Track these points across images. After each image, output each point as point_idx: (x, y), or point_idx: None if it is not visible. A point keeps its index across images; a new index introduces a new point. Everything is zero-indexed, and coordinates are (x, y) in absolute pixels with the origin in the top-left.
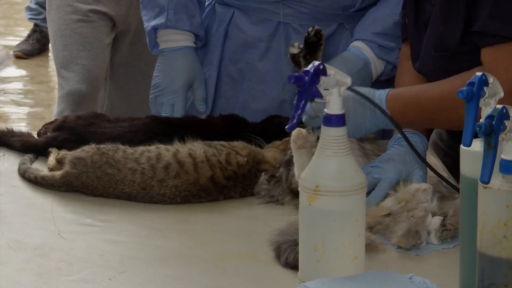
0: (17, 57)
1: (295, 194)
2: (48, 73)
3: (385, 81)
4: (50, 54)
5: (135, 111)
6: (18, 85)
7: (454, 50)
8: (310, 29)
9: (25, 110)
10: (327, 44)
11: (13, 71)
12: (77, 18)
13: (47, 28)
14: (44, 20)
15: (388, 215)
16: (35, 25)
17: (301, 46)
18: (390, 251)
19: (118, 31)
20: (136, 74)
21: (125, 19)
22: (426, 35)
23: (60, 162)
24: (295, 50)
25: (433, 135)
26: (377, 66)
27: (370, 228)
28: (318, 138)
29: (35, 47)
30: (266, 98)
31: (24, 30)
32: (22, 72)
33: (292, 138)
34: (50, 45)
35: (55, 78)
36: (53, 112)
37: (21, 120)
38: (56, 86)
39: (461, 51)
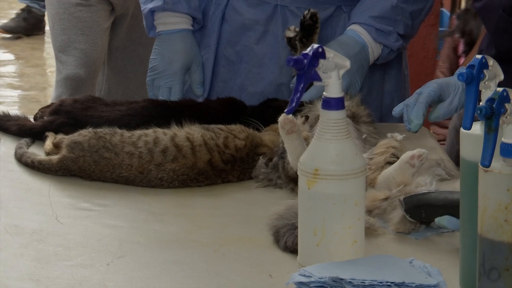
0: None
1: (294, 181)
2: (42, 56)
3: (382, 64)
4: (47, 37)
5: (133, 95)
6: (12, 68)
7: None
8: (306, 12)
9: (20, 93)
10: (324, 27)
11: (7, 54)
12: (75, 2)
13: (37, 8)
14: (33, 0)
15: (386, 199)
16: (27, 6)
17: (297, 29)
18: (390, 235)
19: (116, 15)
20: (133, 58)
21: (123, 2)
22: None
23: (57, 146)
24: (291, 33)
25: (456, 120)
26: (374, 50)
27: (369, 212)
28: (305, 120)
29: (20, 25)
30: (263, 81)
31: (18, 12)
32: (17, 55)
33: (279, 124)
34: (45, 28)
35: (49, 62)
36: (46, 95)
37: (15, 103)
38: (49, 69)
39: None
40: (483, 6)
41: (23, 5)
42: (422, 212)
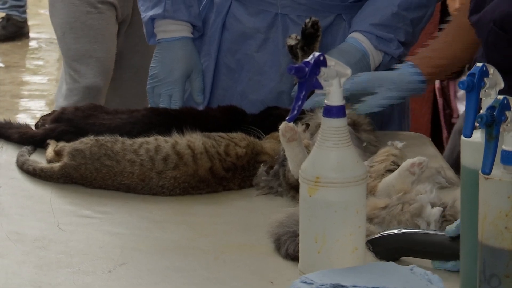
0: None
1: (295, 189)
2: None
3: None
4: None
5: (129, 104)
6: None
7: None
8: (307, 20)
9: None
10: (325, 35)
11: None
12: (86, 10)
13: (17, 15)
14: (11, 8)
15: (385, 207)
16: (7, 14)
17: (298, 37)
18: None
19: (118, 21)
20: (130, 66)
21: (125, 9)
22: (490, 4)
23: (58, 154)
24: (292, 42)
25: (460, 123)
26: (375, 58)
27: (369, 220)
28: (306, 128)
29: None
30: (264, 89)
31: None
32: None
33: (280, 132)
34: (28, 34)
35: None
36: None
37: None
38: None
39: None
40: (478, 19)
41: (2, 14)
42: (395, 254)
